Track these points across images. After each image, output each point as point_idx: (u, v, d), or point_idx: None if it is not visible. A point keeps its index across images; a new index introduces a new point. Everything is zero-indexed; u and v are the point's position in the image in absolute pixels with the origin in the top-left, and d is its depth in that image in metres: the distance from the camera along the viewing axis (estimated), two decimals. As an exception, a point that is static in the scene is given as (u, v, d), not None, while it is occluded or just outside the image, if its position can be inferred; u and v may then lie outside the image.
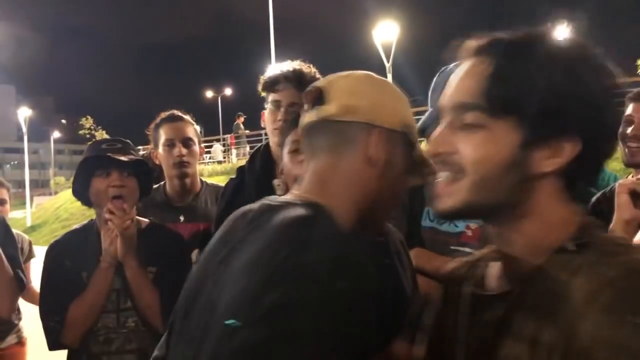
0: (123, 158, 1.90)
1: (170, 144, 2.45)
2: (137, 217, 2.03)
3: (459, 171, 0.80)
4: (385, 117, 1.01)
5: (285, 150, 1.66)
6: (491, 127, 0.78)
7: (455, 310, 0.90)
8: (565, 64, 0.77)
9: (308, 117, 1.04)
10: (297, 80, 2.04)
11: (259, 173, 2.07)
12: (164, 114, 2.54)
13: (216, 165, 20.05)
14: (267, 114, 2.10)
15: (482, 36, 0.83)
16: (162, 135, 2.48)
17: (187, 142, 2.46)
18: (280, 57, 22.49)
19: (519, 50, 0.78)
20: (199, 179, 2.59)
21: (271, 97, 2.08)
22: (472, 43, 0.83)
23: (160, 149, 2.49)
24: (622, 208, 1.44)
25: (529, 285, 0.78)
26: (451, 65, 1.98)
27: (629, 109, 2.20)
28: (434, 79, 2.03)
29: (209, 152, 23.51)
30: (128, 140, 2.03)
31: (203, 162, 22.16)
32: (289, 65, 2.09)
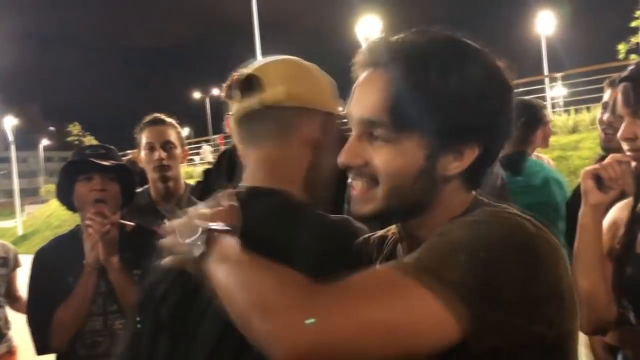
0: (105, 163, 1.91)
1: (150, 148, 2.47)
2: (122, 221, 2.03)
3: (373, 180, 0.88)
4: (320, 101, 1.06)
5: None
6: (398, 142, 0.85)
7: None
8: (460, 76, 0.83)
9: (243, 104, 1.06)
10: None
11: (225, 175, 2.07)
12: (147, 117, 2.55)
13: (206, 166, 19.95)
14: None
15: (377, 44, 0.89)
16: (143, 139, 2.50)
17: (166, 146, 2.47)
18: (266, 54, 22.43)
19: (416, 63, 0.84)
20: (182, 182, 2.60)
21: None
22: (370, 52, 0.89)
23: (142, 153, 2.51)
24: (588, 193, 1.44)
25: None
26: None
27: (606, 95, 2.22)
28: None
29: (197, 154, 23.44)
30: (112, 147, 2.05)
31: (193, 164, 22.12)
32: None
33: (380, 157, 0.86)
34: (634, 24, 14.36)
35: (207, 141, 24.52)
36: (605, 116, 2.11)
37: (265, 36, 22.49)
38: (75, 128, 29.72)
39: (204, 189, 2.15)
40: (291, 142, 1.04)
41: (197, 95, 54.01)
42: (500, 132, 0.88)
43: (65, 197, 1.97)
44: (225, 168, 2.09)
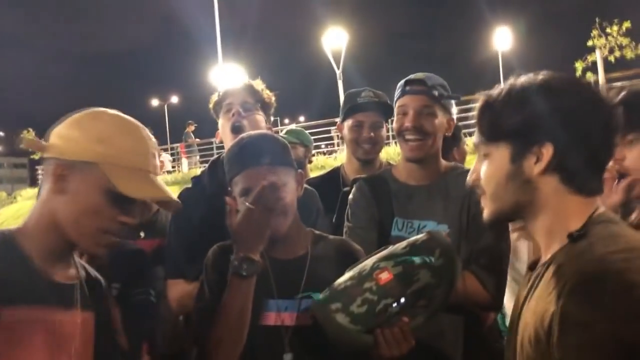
0: None
1: None
2: None
3: (483, 191, 1.12)
4: (73, 151, 1.20)
5: (236, 190, 1.59)
6: (492, 152, 1.09)
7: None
8: (527, 99, 1.05)
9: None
10: (247, 86, 2.14)
11: (218, 184, 2.00)
12: None
13: (165, 175, 19.63)
14: (221, 121, 2.12)
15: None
16: None
17: None
18: (228, 61, 22.28)
19: (497, 97, 1.09)
20: None
21: (222, 106, 2.12)
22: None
23: None
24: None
25: (544, 268, 1.03)
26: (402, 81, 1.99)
27: None
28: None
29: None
30: None
31: (152, 172, 21.65)
32: (237, 82, 2.19)
33: (483, 171, 1.11)
34: (590, 43, 14.87)
35: (165, 150, 24.09)
36: None
37: (227, 43, 22.34)
38: (29, 134, 28.79)
39: (193, 197, 2.06)
40: (44, 189, 1.23)
41: (155, 102, 53.23)
42: (571, 131, 1.02)
43: None
44: (217, 176, 2.04)
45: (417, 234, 1.84)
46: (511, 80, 1.10)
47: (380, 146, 2.49)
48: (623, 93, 1.47)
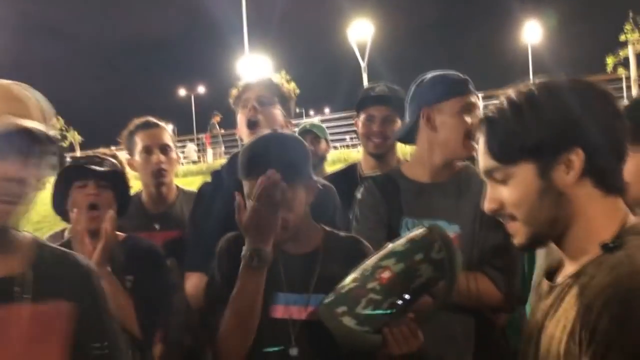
0: (99, 168, 1.91)
1: (148, 151, 2.39)
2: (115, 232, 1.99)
3: (512, 216, 1.02)
4: None
5: (246, 193, 1.58)
6: (513, 174, 1.00)
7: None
8: (540, 107, 0.98)
9: None
10: (264, 80, 2.15)
11: (237, 179, 1.99)
12: (137, 121, 2.48)
13: (191, 165, 19.82)
14: (239, 116, 2.11)
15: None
16: (139, 142, 2.41)
17: (165, 149, 2.42)
18: (253, 52, 22.36)
19: (503, 114, 1.01)
20: (174, 186, 2.53)
21: (241, 100, 2.11)
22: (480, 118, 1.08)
23: (137, 157, 2.42)
24: None
25: (574, 280, 0.96)
26: (428, 76, 1.96)
27: None
28: (412, 89, 1.98)
29: (182, 152, 23.25)
30: (107, 157, 2.04)
31: (178, 163, 21.88)
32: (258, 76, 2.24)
33: (506, 195, 1.01)
34: (622, 37, 14.50)
35: (191, 140, 24.31)
36: None
37: (253, 34, 22.40)
38: (58, 122, 29.31)
39: (213, 191, 2.08)
40: None
41: (182, 92, 53.73)
42: (595, 128, 0.96)
43: (59, 206, 1.96)
44: (236, 171, 2.03)
45: None
46: (509, 94, 1.03)
47: (391, 141, 2.45)
48: (625, 105, 1.40)
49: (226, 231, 1.75)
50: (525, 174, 0.98)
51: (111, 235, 1.86)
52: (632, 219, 0.99)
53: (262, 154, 1.55)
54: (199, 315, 2.16)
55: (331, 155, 12.34)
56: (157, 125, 2.46)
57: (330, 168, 3.59)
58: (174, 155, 2.47)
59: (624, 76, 14.36)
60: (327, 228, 1.70)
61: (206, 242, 1.89)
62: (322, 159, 3.50)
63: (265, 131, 1.73)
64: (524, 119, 0.98)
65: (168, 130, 2.50)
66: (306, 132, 3.40)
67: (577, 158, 0.95)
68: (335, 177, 2.48)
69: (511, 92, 1.03)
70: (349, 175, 2.52)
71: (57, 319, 1.20)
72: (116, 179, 1.97)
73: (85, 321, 1.22)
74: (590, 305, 0.88)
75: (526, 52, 27.01)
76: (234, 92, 2.17)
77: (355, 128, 2.57)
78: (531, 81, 1.03)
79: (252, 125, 2.01)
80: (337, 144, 14.99)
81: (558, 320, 0.95)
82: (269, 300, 1.55)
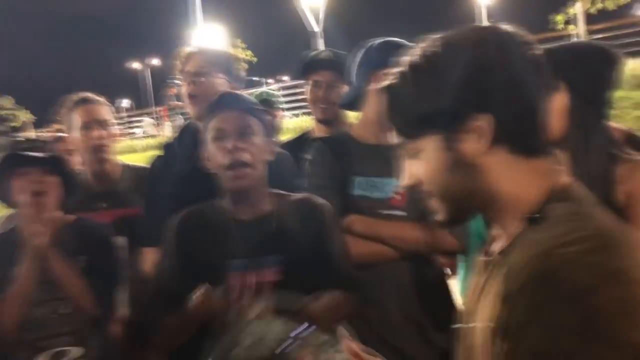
0: (40, 155, 1.90)
1: (87, 127, 2.35)
2: (64, 214, 2.02)
3: (429, 193, 0.91)
4: None
5: (208, 136, 1.64)
6: (422, 147, 0.88)
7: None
8: (439, 71, 0.85)
9: None
10: (201, 49, 2.13)
11: (190, 150, 2.01)
12: (75, 97, 2.43)
13: (149, 139, 19.46)
14: (182, 90, 2.13)
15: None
16: (77, 118, 2.37)
17: (104, 124, 2.38)
18: (207, 22, 21.86)
19: (402, 82, 0.89)
20: (118, 163, 2.50)
21: (182, 73, 2.12)
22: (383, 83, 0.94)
23: (76, 133, 2.38)
24: None
25: (502, 257, 0.86)
26: (376, 42, 1.98)
27: None
28: (359, 55, 2.00)
29: (139, 126, 22.78)
30: (46, 140, 2.06)
31: (135, 137, 21.48)
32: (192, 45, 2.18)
33: (419, 171, 0.90)
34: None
35: (148, 114, 23.81)
36: None
37: (207, 3, 21.86)
38: (8, 102, 28.27)
39: (166, 163, 2.09)
40: None
41: (136, 65, 52.26)
42: (505, 89, 0.84)
43: (3, 194, 1.95)
44: (191, 142, 2.04)
45: (380, 192, 1.89)
46: (407, 57, 0.90)
47: (338, 107, 2.45)
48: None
49: (180, 204, 1.78)
50: (432, 147, 0.87)
51: (58, 219, 1.90)
52: (561, 181, 0.87)
53: (230, 94, 1.73)
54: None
55: (293, 122, 12.27)
56: (95, 101, 2.42)
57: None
58: (114, 130, 2.43)
59: (574, 33, 14.67)
60: (279, 191, 1.74)
61: (161, 216, 1.92)
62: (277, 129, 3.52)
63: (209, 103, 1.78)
64: (423, 85, 0.86)
65: (108, 105, 2.47)
66: (260, 101, 3.41)
67: (486, 125, 0.83)
68: (289, 145, 2.51)
69: (415, 50, 0.90)
70: (302, 143, 2.56)
71: None
72: (59, 162, 1.96)
73: None
74: (506, 290, 0.79)
75: (480, 13, 27.20)
76: (177, 64, 2.15)
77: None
78: (438, 35, 0.90)
79: (192, 98, 2.03)
80: (298, 112, 14.91)
81: (485, 306, 0.85)
82: (225, 268, 1.58)
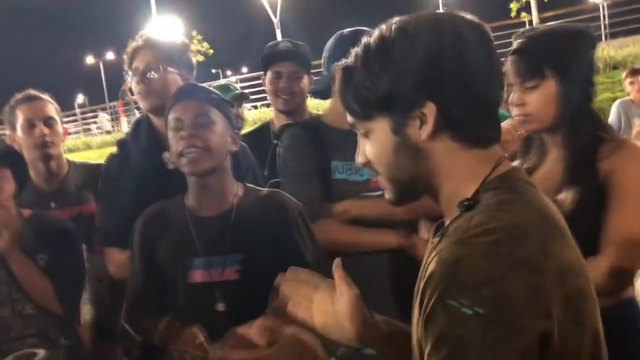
0: None
1: (30, 125, 2.27)
2: (19, 209, 1.97)
3: (377, 172, 0.95)
4: None
5: (168, 126, 1.62)
6: (372, 128, 0.92)
7: None
8: (387, 57, 0.87)
9: None
10: (151, 42, 2.04)
11: (146, 146, 1.97)
12: (18, 95, 2.36)
13: (105, 135, 19.07)
14: (132, 84, 2.07)
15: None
16: (20, 116, 2.29)
17: (48, 122, 2.30)
18: (162, 14, 21.50)
19: (355, 64, 0.91)
20: (64, 161, 2.42)
21: (132, 67, 2.04)
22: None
23: (19, 131, 2.29)
24: None
25: (439, 240, 0.86)
26: (346, 31, 1.97)
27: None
28: (330, 43, 1.99)
29: (94, 122, 22.26)
30: None
31: (91, 134, 21.00)
32: (141, 35, 2.09)
33: (369, 148, 0.93)
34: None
35: (103, 109, 23.29)
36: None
37: (161, -5, 21.49)
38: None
39: (122, 161, 2.03)
40: None
41: (90, 60, 51.01)
42: (450, 79, 0.85)
43: None
44: (145, 138, 2.01)
45: (358, 175, 1.86)
46: (364, 40, 0.91)
47: (300, 97, 2.46)
48: (521, 40, 1.51)
49: (140, 199, 1.75)
50: (380, 129, 0.90)
51: (15, 218, 1.84)
52: (500, 171, 0.88)
53: (191, 85, 1.74)
54: (111, 291, 2.18)
55: (251, 115, 12.20)
56: (39, 98, 2.34)
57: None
58: (59, 128, 2.35)
59: (526, 20, 15.00)
60: (249, 185, 1.72)
61: (121, 216, 1.88)
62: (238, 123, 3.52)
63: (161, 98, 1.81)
64: (374, 68, 0.88)
65: (53, 103, 2.39)
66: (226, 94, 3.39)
67: (429, 112, 0.85)
68: (249, 137, 2.48)
69: (372, 33, 0.91)
70: (262, 134, 2.53)
71: None
72: (9, 157, 1.92)
73: None
74: (428, 274, 0.80)
75: (437, 3, 27.54)
76: (125, 57, 2.09)
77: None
78: (395, 20, 0.91)
79: (143, 94, 1.98)
80: (258, 103, 14.82)
81: (420, 285, 0.87)
82: (187, 266, 1.57)
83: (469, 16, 0.90)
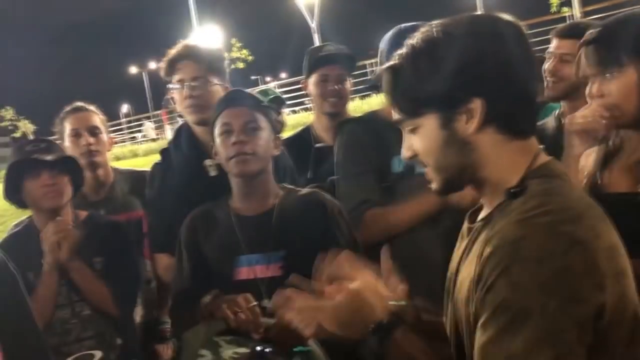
0: (49, 158, 1.92)
1: (76, 134, 2.39)
2: (76, 210, 2.07)
3: (424, 164, 1.02)
4: None
5: (216, 131, 1.67)
6: (420, 124, 0.98)
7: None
8: (435, 56, 0.94)
9: None
10: (194, 53, 2.06)
11: (188, 154, 2.03)
12: (67, 107, 2.49)
13: (151, 143, 19.51)
14: (175, 95, 2.09)
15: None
16: (67, 126, 2.42)
17: (93, 131, 2.41)
18: (202, 23, 21.87)
19: (403, 63, 0.97)
20: (110, 169, 2.52)
21: (174, 78, 2.07)
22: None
23: (67, 141, 2.42)
24: (576, 144, 1.54)
25: (483, 225, 0.96)
26: (404, 25, 1.96)
27: (552, 46, 2.23)
28: (388, 36, 1.99)
29: (139, 131, 22.80)
30: (51, 139, 2.08)
31: (136, 142, 21.51)
32: (181, 43, 2.11)
33: (417, 145, 1.00)
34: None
35: (147, 117, 23.86)
36: (552, 65, 2.12)
37: (202, 5, 21.87)
38: (7, 113, 28.37)
39: (165, 170, 2.09)
40: None
41: (133, 70, 52.29)
42: (495, 76, 0.93)
43: (14, 196, 1.98)
44: (186, 147, 2.06)
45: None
46: (411, 39, 0.98)
47: (345, 100, 2.50)
48: (597, 29, 1.44)
49: (184, 206, 1.80)
50: (429, 125, 0.97)
51: (73, 230, 1.92)
52: (540, 161, 0.96)
53: (236, 91, 1.78)
54: (159, 292, 2.24)
55: (291, 119, 12.30)
56: (84, 109, 2.45)
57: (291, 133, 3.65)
58: (104, 137, 2.46)
59: (567, 15, 14.63)
60: (288, 186, 1.78)
61: (166, 222, 1.94)
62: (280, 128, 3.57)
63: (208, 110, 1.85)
64: (422, 69, 0.95)
65: (99, 114, 2.50)
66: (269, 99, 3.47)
67: (476, 108, 0.92)
68: (290, 142, 2.52)
69: (416, 35, 0.98)
70: (303, 139, 2.56)
71: None
72: (67, 163, 1.99)
73: None
74: (481, 254, 0.88)
75: (475, 1, 27.14)
76: (162, 65, 2.13)
77: (305, 91, 2.60)
78: (437, 22, 0.98)
79: (188, 106, 2.02)
80: (296, 108, 14.93)
81: (467, 266, 0.95)
82: (232, 264, 1.62)
83: (505, 16, 0.97)
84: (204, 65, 2.05)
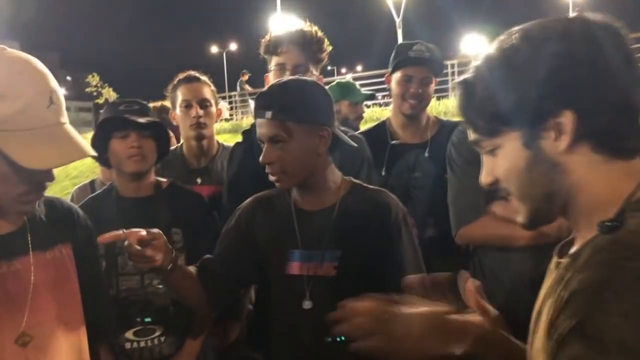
0: (141, 120, 1.92)
1: (187, 105, 2.46)
2: (158, 178, 2.07)
3: (508, 191, 0.88)
4: None
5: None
6: (499, 144, 0.85)
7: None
8: (516, 67, 0.81)
9: None
10: (301, 41, 2.03)
11: None
12: (181, 75, 2.54)
13: (224, 122, 19.94)
14: (271, 77, 2.07)
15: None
16: (179, 96, 2.48)
17: (203, 103, 2.47)
18: (286, 11, 22.10)
19: (478, 78, 0.85)
20: (216, 142, 2.58)
21: (275, 60, 2.06)
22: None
23: (178, 110, 2.50)
24: None
25: (571, 261, 0.81)
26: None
27: None
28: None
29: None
30: (145, 102, 2.05)
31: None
32: (291, 27, 2.08)
33: (497, 168, 0.87)
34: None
35: (223, 98, 24.37)
36: None
37: (286, -9, 22.06)
38: (94, 79, 29.69)
39: (244, 150, 2.11)
40: None
41: (214, 49, 53.53)
42: (587, 83, 0.79)
43: (100, 153, 1.94)
44: None
45: None
46: (484, 52, 0.86)
47: (426, 102, 2.44)
48: None
49: (258, 188, 1.79)
50: (510, 144, 0.83)
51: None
52: None
53: (268, 94, 1.57)
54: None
55: (365, 113, 12.23)
56: (197, 80, 2.50)
57: (362, 127, 3.62)
58: (213, 109, 2.50)
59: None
60: (356, 181, 1.69)
61: (239, 199, 1.94)
62: (358, 118, 3.56)
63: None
64: (499, 80, 0.82)
65: (210, 85, 2.54)
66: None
67: (567, 122, 0.79)
68: (364, 136, 2.47)
69: (493, 44, 0.86)
70: (378, 134, 2.51)
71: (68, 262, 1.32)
72: (156, 128, 1.97)
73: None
74: (563, 296, 0.76)
75: (566, 3, 26.10)
76: (265, 41, 2.10)
77: (386, 85, 2.53)
78: (508, 35, 0.85)
79: None
80: (369, 102, 14.83)
81: (548, 308, 0.81)
82: (286, 257, 1.59)
83: (599, 17, 0.83)
84: (309, 54, 2.04)
